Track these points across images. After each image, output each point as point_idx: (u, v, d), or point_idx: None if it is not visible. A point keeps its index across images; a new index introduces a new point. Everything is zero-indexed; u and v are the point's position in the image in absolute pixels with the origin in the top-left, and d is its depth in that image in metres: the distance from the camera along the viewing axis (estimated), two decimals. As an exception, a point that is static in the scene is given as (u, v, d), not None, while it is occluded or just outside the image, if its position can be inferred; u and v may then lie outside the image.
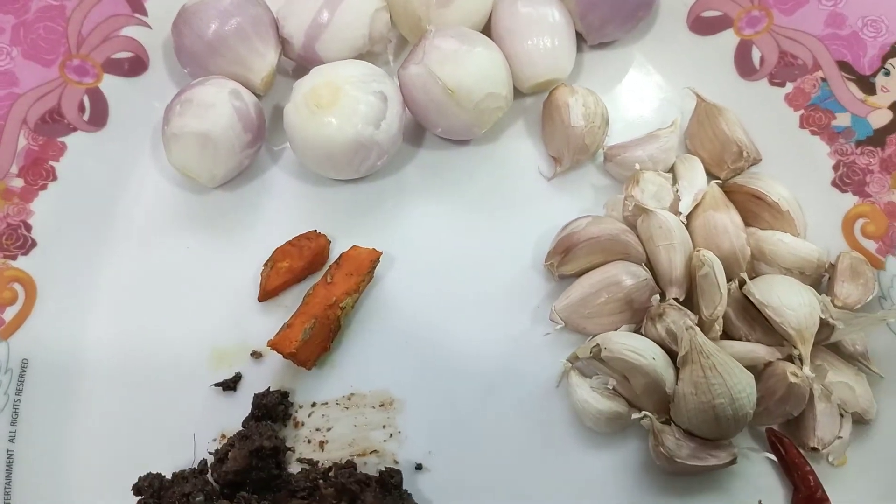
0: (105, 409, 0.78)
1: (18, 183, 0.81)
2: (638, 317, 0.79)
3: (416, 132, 0.90)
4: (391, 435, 0.77)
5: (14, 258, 0.79)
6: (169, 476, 0.71)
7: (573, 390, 0.76)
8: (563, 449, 0.77)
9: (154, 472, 0.71)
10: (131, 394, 0.79)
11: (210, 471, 0.73)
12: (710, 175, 0.86)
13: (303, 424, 0.78)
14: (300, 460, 0.76)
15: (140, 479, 0.70)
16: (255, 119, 0.83)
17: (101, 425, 0.78)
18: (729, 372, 0.71)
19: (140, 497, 0.69)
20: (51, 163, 0.83)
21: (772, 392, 0.74)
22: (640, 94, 0.92)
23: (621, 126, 0.89)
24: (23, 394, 0.76)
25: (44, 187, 0.83)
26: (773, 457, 0.75)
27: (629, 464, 0.76)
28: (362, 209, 0.86)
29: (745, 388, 0.71)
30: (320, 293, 0.79)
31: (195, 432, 0.77)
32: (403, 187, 0.88)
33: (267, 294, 0.82)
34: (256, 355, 0.80)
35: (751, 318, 0.78)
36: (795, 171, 0.83)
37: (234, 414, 0.77)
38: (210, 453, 0.74)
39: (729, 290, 0.77)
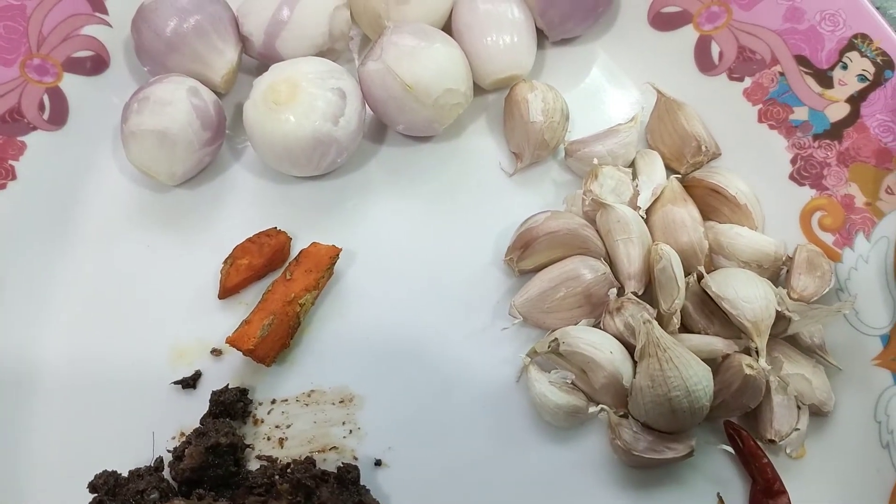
0: (62, 408, 0.78)
1: (-23, 182, 0.81)
2: (597, 311, 0.79)
3: (378, 129, 0.90)
4: (351, 431, 0.77)
5: (-28, 254, 0.79)
6: (125, 474, 0.71)
7: (532, 385, 0.76)
8: (523, 444, 0.77)
9: (111, 470, 0.70)
10: (89, 394, 0.79)
11: (168, 468, 0.72)
12: (670, 170, 0.86)
13: (262, 421, 0.78)
14: (259, 457, 0.76)
15: (95, 476, 0.70)
16: (214, 116, 0.83)
17: (59, 425, 0.77)
18: (685, 365, 0.71)
19: (95, 495, 0.69)
20: (10, 162, 0.83)
21: (728, 384, 0.74)
22: (601, 89, 0.92)
23: (582, 122, 0.90)
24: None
25: (3, 186, 0.82)
26: (730, 449, 0.75)
27: (588, 458, 0.76)
28: (323, 206, 0.87)
29: (701, 380, 0.71)
30: (279, 290, 0.79)
31: (154, 430, 0.76)
32: (365, 184, 0.88)
33: (227, 291, 0.81)
34: (216, 353, 0.80)
35: (709, 311, 0.78)
36: (754, 164, 0.84)
37: (193, 411, 0.77)
38: (168, 451, 0.74)
39: (687, 283, 0.77)
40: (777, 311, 0.74)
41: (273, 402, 0.78)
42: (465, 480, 0.76)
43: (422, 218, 0.86)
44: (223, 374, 0.79)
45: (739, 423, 0.76)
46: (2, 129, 0.83)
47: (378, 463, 0.76)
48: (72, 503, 0.71)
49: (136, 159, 0.82)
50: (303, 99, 0.80)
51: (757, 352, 0.74)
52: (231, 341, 0.76)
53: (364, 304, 0.82)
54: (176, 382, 0.78)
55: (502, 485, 0.75)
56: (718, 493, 0.75)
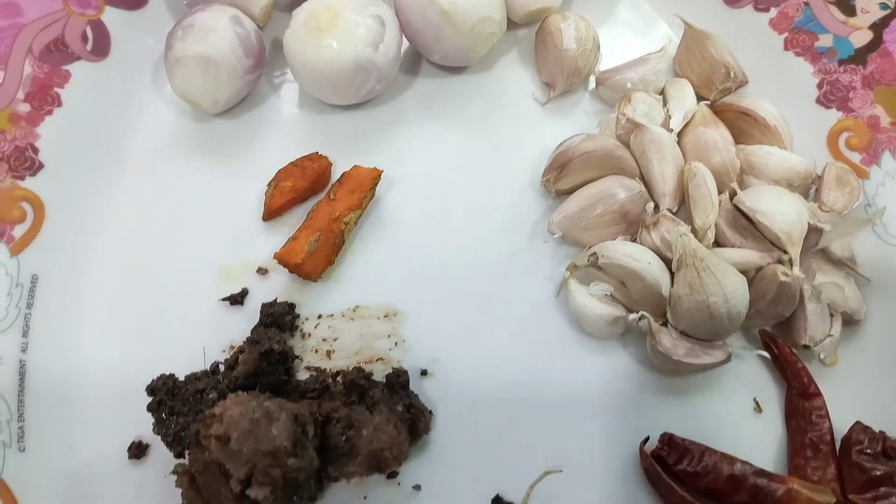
0: (114, 324, 0.80)
1: (25, 108, 0.82)
2: (633, 228, 0.82)
3: (413, 61, 0.93)
4: (396, 343, 0.79)
5: (22, 178, 0.81)
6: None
7: (572, 297, 0.78)
8: (563, 355, 0.79)
9: (168, 373, 0.72)
10: (140, 310, 0.80)
11: (221, 378, 0.74)
12: (700, 97, 0.88)
13: (309, 335, 0.79)
14: (308, 368, 0.77)
15: (153, 380, 0.71)
16: (255, 45, 0.85)
17: (111, 340, 0.79)
18: (722, 272, 0.73)
19: (154, 397, 0.70)
20: (56, 90, 0.85)
21: (763, 294, 0.76)
22: (630, 22, 0.94)
23: (611, 56, 0.92)
24: (33, 307, 0.77)
25: (49, 112, 0.84)
26: (766, 354, 0.77)
27: (627, 368, 0.78)
28: (361, 134, 0.89)
29: (737, 287, 0.73)
30: (324, 209, 0.80)
31: (204, 345, 0.78)
32: (401, 114, 0.90)
33: (271, 213, 0.83)
34: (262, 271, 0.82)
35: (741, 228, 0.80)
36: (781, 90, 0.86)
37: (242, 327, 0.79)
38: (220, 363, 0.76)
39: (720, 202, 0.79)
40: (808, 224, 0.77)
41: (319, 317, 0.80)
42: (507, 390, 0.77)
43: (457, 146, 0.88)
44: (269, 291, 0.81)
45: (774, 332, 0.78)
46: (47, 58, 0.84)
47: (424, 373, 0.78)
48: (129, 411, 0.73)
49: (181, 86, 0.84)
50: (344, 25, 0.82)
51: (790, 262, 0.76)
52: (279, 256, 0.78)
53: (404, 226, 0.84)
54: (224, 299, 0.80)
55: (543, 394, 0.77)
56: (755, 398, 0.77)
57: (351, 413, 0.69)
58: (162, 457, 0.73)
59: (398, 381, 0.73)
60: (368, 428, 0.68)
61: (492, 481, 0.74)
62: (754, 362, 0.78)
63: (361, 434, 0.67)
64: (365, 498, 0.74)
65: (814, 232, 0.78)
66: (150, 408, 0.70)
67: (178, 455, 0.72)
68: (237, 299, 0.80)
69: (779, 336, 0.78)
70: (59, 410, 0.75)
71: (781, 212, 0.76)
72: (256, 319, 0.78)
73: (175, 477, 0.66)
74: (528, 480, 0.72)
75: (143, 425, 0.74)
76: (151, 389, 0.71)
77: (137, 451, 0.75)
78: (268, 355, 0.72)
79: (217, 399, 0.69)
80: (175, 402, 0.70)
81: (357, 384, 0.70)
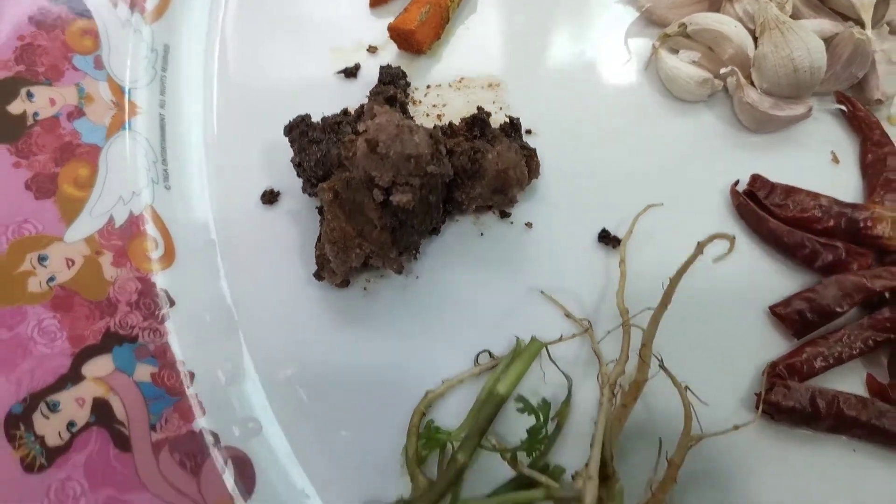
0: (239, 96, 0.86)
1: None
2: (715, 6, 0.88)
3: None
4: (500, 108, 0.86)
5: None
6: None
7: (663, 63, 0.85)
8: (655, 118, 0.85)
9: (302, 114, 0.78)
10: (261, 81, 0.86)
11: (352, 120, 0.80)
12: None
13: (420, 102, 0.86)
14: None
15: (290, 121, 0.77)
16: None
17: (236, 109, 0.85)
18: (804, 30, 0.80)
19: (293, 131, 0.76)
20: None
21: (839, 57, 0.83)
22: None
23: None
24: (167, 71, 0.83)
25: None
26: (843, 108, 0.84)
27: (715, 127, 0.85)
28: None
29: (818, 44, 0.80)
30: (432, -13, 0.87)
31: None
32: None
33: (377, 0, 0.89)
34: (372, 49, 0.88)
35: (815, 6, 0.87)
36: None
37: (356, 97, 0.85)
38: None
39: (795, -20, 0.86)
40: (877, -2, 0.83)
41: (428, 87, 0.87)
42: (605, 147, 0.84)
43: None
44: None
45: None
46: None
47: (528, 132, 0.84)
48: (261, 163, 0.80)
49: None
50: None
51: (863, 25, 0.83)
52: (393, 26, 0.84)
53: (504, 9, 0.90)
54: (339, 72, 0.86)
55: (639, 150, 0.84)
56: (832, 151, 0.84)
57: (475, 143, 0.75)
58: (290, 203, 0.81)
59: (512, 125, 0.79)
60: (493, 153, 0.74)
61: (597, 219, 0.80)
62: (830, 122, 0.85)
63: (487, 157, 0.74)
64: (482, 234, 0.80)
65: (882, 3, 0.84)
66: (290, 137, 0.76)
67: (311, 194, 0.78)
68: (351, 72, 0.86)
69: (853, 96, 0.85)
70: (197, 162, 0.81)
71: (855, -19, 0.83)
72: (367, 92, 0.84)
73: (304, 214, 0.72)
74: (630, 218, 0.78)
75: (274, 177, 0.80)
76: (289, 127, 0.77)
77: (270, 196, 0.81)
78: (391, 101, 0.78)
79: (353, 121, 0.75)
80: (314, 133, 0.75)
81: (479, 119, 0.77)
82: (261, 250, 0.78)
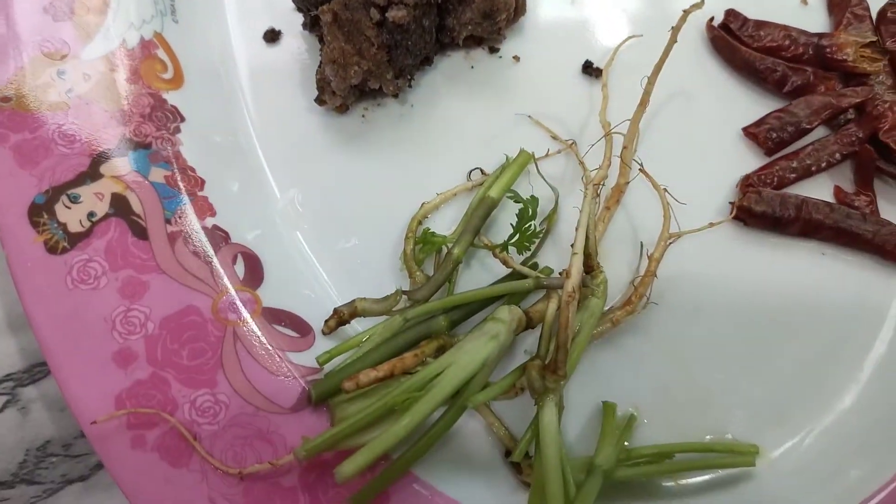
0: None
1: None
2: None
3: None
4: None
5: None
6: None
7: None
8: None
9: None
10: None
11: None
12: None
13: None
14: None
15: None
16: None
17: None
18: None
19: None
20: None
21: None
22: None
23: None
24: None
25: None
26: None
27: None
28: None
29: None
30: None
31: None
32: None
33: None
34: None
35: None
36: None
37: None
38: None
39: None
40: None
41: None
42: None
43: None
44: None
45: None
46: None
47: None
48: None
49: None
50: None
51: None
52: None
53: None
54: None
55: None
56: (801, -6, 0.89)
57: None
58: (292, 42, 0.86)
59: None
60: (482, -20, 0.79)
61: (581, 52, 0.85)
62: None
63: (476, -15, 0.79)
64: (472, 67, 0.85)
65: None
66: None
67: (310, 30, 0.83)
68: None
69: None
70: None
71: None
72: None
73: (304, 52, 0.80)
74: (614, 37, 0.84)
75: (276, 17, 0.85)
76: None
77: (272, 35, 0.85)
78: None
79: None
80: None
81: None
82: (264, 82, 0.83)
